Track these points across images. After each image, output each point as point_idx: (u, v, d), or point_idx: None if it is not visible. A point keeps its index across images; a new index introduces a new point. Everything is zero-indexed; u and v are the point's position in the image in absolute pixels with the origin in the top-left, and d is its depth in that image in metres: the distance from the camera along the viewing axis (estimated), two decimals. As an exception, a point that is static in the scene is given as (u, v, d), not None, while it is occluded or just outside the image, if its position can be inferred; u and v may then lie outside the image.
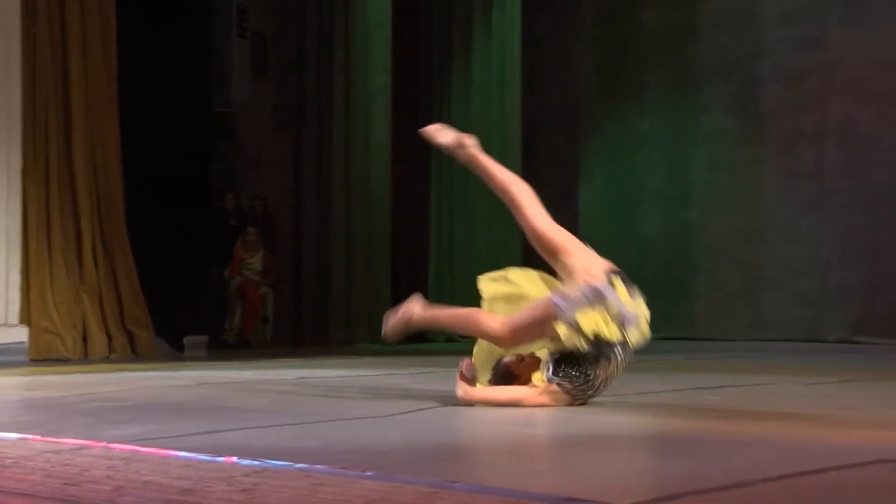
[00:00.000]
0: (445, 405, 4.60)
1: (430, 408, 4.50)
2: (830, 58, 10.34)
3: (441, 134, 4.52)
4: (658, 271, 10.99)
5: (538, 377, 4.28)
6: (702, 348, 9.01)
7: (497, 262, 11.06)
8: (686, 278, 10.92)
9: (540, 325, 4.13)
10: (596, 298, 4.02)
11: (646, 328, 4.15)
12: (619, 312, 4.05)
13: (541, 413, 4.63)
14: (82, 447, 3.26)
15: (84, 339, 8.13)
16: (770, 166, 10.68)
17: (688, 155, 11.14)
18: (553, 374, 4.19)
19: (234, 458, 3.07)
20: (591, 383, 4.15)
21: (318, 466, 2.97)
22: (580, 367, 4.15)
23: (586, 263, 4.18)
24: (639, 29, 11.53)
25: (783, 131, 10.62)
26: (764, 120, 10.76)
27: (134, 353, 8.30)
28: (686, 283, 10.89)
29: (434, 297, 11.10)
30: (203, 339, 9.52)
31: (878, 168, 10.04)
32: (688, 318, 10.30)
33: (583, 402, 4.25)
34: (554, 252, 4.32)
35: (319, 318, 10.00)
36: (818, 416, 4.38)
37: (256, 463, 3.01)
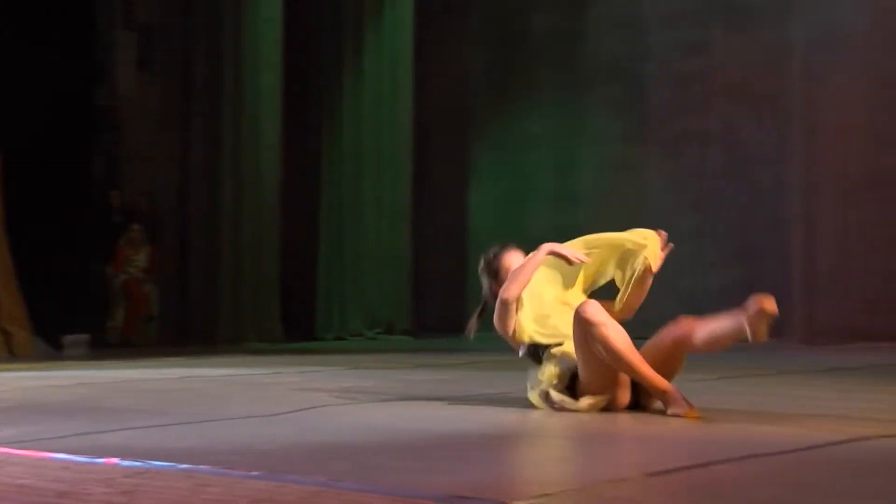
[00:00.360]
0: (332, 404, 4.58)
1: (317, 407, 4.47)
2: (713, 62, 10.59)
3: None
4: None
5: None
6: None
7: (385, 264, 11.16)
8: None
9: None
10: None
11: None
12: None
13: (428, 412, 4.63)
14: (-46, 450, 3.16)
15: (-42, 339, 7.87)
16: (655, 167, 10.89)
17: (575, 156, 11.29)
18: None
19: (115, 460, 3.01)
20: None
21: (202, 467, 2.93)
22: None
23: None
24: (527, 31, 11.64)
25: (667, 133, 10.84)
26: (649, 122, 10.97)
27: (10, 353, 8.06)
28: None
29: (323, 299, 11.09)
30: (84, 337, 9.29)
31: (757, 170, 10.32)
32: (574, 317, 10.45)
33: None
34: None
35: (206, 316, 9.86)
36: (701, 411, 4.48)
37: (138, 464, 2.96)
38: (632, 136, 11.00)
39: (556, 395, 4.29)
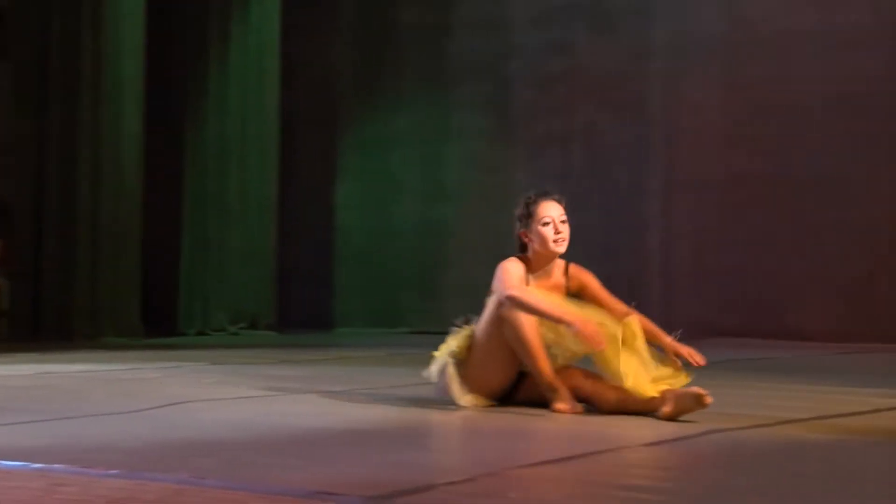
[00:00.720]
0: (195, 400, 4.51)
1: (178, 403, 4.39)
2: (577, 63, 10.77)
3: None
4: (412, 266, 11.16)
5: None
6: (452, 342, 9.20)
7: (250, 259, 11.02)
8: (438, 273, 11.13)
9: None
10: None
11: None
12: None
13: (293, 407, 4.61)
14: None
15: None
16: (520, 166, 11.02)
17: (442, 153, 11.35)
18: None
19: (-36, 459, 2.90)
20: None
21: (57, 466, 2.85)
22: None
23: None
24: (396, 26, 11.65)
25: (532, 133, 10.98)
26: (514, 121, 11.10)
27: None
28: (438, 278, 11.10)
29: (186, 290, 10.89)
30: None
31: (617, 171, 10.55)
32: (440, 312, 10.46)
33: None
34: None
35: (61, 311, 9.56)
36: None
37: (-11, 463, 2.86)
38: (498, 134, 11.12)
39: (451, 371, 4.31)
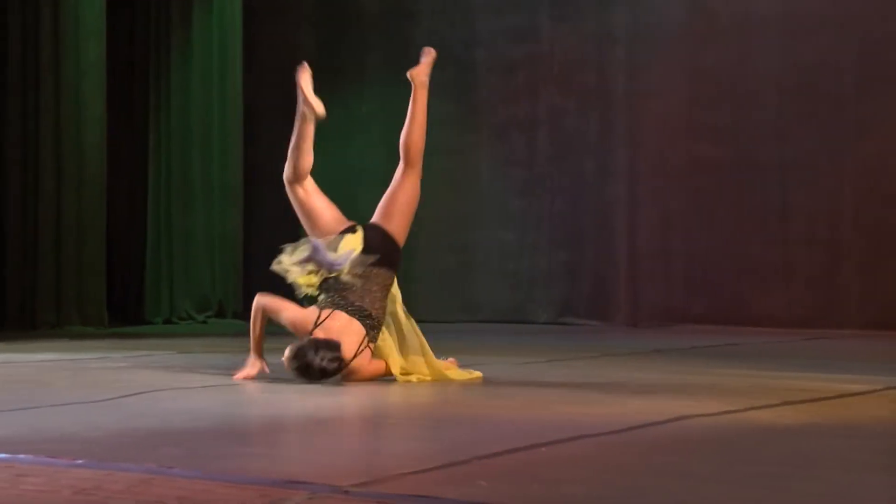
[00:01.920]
0: (161, 389, 4.49)
1: (145, 392, 4.37)
2: (540, 50, 10.78)
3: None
4: (377, 253, 11.12)
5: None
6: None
7: (215, 246, 10.96)
8: (404, 260, 11.10)
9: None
10: (308, 259, 5.09)
11: (356, 260, 5.18)
12: (323, 262, 5.08)
13: (260, 396, 4.59)
14: None
15: None
16: (484, 153, 11.02)
17: (406, 139, 11.32)
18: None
19: (-74, 451, 2.87)
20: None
21: (22, 456, 2.83)
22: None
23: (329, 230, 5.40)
24: (359, 11, 11.60)
25: (496, 119, 10.98)
26: (478, 108, 11.09)
27: None
28: (404, 265, 11.07)
29: (151, 279, 10.81)
30: None
31: (581, 157, 10.57)
32: (405, 299, 10.49)
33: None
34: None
35: (25, 299, 9.47)
36: (528, 394, 4.58)
37: (-48, 455, 2.83)
38: (462, 121, 11.10)
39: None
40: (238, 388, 4.71)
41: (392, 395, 4.69)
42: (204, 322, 10.68)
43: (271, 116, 11.96)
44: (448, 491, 2.50)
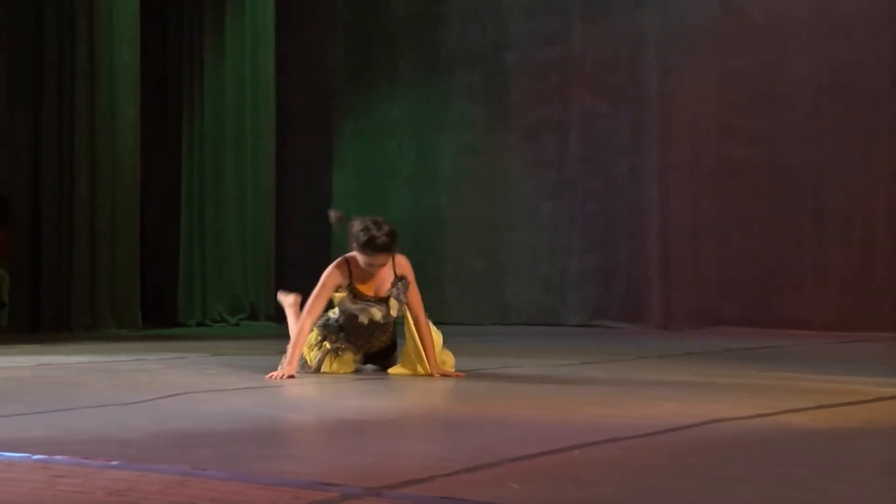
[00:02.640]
0: (195, 391, 4.51)
1: (178, 394, 4.40)
2: (571, 52, 10.76)
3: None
4: (407, 255, 11.13)
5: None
6: (448, 332, 9.19)
7: (248, 249, 11.01)
8: (434, 263, 11.11)
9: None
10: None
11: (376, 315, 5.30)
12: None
13: (292, 398, 4.61)
14: None
15: None
16: (515, 155, 11.02)
17: (437, 142, 11.34)
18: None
19: (-35, 452, 2.90)
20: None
21: (58, 457, 2.85)
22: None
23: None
24: (389, 15, 11.63)
25: (528, 121, 10.97)
26: (509, 110, 11.08)
27: None
28: (434, 267, 11.09)
29: (184, 284, 10.87)
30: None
31: (613, 159, 10.54)
32: (435, 302, 10.48)
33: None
34: None
35: (61, 302, 9.56)
36: (559, 396, 4.57)
37: (-11, 456, 2.86)
38: (493, 123, 11.11)
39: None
40: (271, 390, 4.73)
41: (422, 396, 4.70)
42: (237, 324, 10.73)
43: (303, 119, 12.03)
44: (479, 493, 2.50)
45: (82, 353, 6.77)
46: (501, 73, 11.06)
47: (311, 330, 5.27)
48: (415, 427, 3.77)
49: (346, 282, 5.24)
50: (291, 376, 5.02)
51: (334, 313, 5.36)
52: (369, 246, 5.14)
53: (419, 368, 5.22)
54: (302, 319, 5.19)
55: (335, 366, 5.27)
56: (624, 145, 10.46)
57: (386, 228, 5.18)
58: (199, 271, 10.76)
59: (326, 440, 3.40)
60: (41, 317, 9.51)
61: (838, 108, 9.48)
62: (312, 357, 5.28)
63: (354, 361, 5.39)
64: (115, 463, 2.78)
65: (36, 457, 2.86)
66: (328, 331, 5.33)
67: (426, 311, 5.32)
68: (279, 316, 11.03)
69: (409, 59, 11.46)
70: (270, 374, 5.06)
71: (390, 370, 5.36)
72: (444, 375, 5.19)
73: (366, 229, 5.15)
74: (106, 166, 9.77)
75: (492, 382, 5.14)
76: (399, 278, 5.28)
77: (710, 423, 3.66)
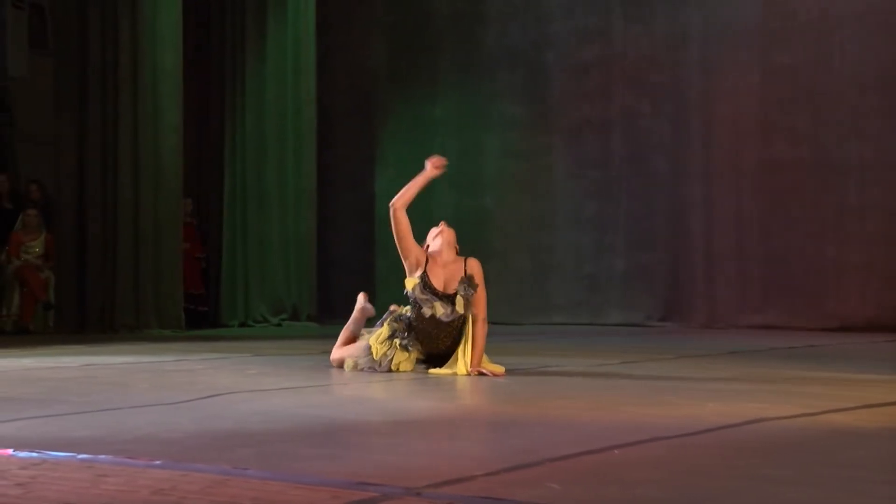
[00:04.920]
0: (237, 391, 4.54)
1: (220, 394, 4.42)
2: (612, 51, 10.72)
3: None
4: (450, 256, 11.13)
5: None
6: (491, 332, 9.17)
7: (290, 250, 11.06)
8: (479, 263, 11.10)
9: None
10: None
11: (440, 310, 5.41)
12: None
13: (333, 398, 4.62)
14: None
15: None
16: (558, 154, 10.99)
17: (480, 141, 11.33)
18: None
19: (9, 451, 2.94)
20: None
21: (102, 457, 2.88)
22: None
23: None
24: (430, 16, 11.64)
25: (570, 121, 10.94)
26: (551, 109, 11.06)
27: None
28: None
29: (227, 283, 10.95)
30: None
31: (655, 157, 10.49)
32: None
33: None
34: None
35: (105, 303, 9.66)
36: (601, 396, 4.55)
37: (34, 455, 2.89)
38: (535, 122, 11.09)
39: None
40: (311, 391, 4.75)
41: (462, 396, 4.69)
42: (279, 325, 10.79)
43: (345, 121, 12.07)
44: (519, 493, 2.49)
45: (127, 353, 6.83)
46: (542, 73, 11.04)
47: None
48: (455, 427, 3.76)
49: (421, 270, 5.44)
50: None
51: (406, 310, 5.48)
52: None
53: (459, 367, 5.26)
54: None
55: (401, 363, 5.37)
56: (666, 144, 10.41)
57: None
58: (242, 272, 10.82)
59: (366, 440, 3.41)
60: (87, 318, 9.61)
61: (883, 105, 9.37)
62: (380, 351, 5.38)
63: (417, 360, 5.49)
64: (157, 462, 2.80)
65: (81, 456, 2.89)
66: (399, 324, 5.42)
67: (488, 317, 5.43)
68: (321, 316, 11.14)
69: (451, 59, 11.47)
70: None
71: (431, 371, 5.36)
72: (481, 373, 5.19)
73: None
74: (149, 169, 9.86)
75: (533, 382, 5.13)
76: (468, 277, 5.40)
77: (752, 422, 3.62)
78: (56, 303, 9.79)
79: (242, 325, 10.68)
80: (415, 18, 11.71)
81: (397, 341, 5.40)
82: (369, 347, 5.40)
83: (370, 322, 5.78)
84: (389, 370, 5.33)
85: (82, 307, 9.66)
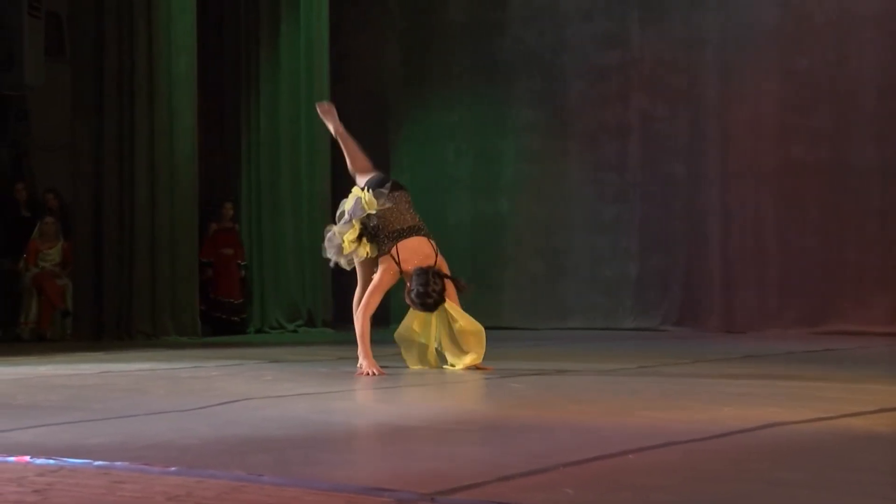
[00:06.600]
0: (252, 398, 4.55)
1: (236, 401, 4.43)
2: (629, 55, 10.70)
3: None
4: (466, 260, 11.12)
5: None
6: (507, 337, 9.18)
7: (306, 256, 11.08)
8: (493, 267, 11.11)
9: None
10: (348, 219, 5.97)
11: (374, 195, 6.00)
12: (354, 213, 5.94)
13: (348, 404, 4.63)
14: None
15: None
16: (574, 159, 10.98)
17: (496, 146, 11.33)
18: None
19: (27, 458, 2.95)
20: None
21: (118, 463, 2.89)
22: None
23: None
24: (446, 21, 11.65)
25: (587, 125, 10.92)
26: (568, 114, 11.04)
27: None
28: (493, 272, 11.08)
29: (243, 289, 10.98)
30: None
31: (672, 162, 10.47)
32: (494, 306, 10.48)
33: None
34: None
35: (122, 310, 9.69)
36: (616, 400, 4.54)
37: (51, 462, 2.90)
38: (551, 127, 11.08)
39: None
40: (326, 397, 4.75)
41: (476, 400, 4.69)
42: (294, 331, 10.80)
43: (360, 126, 12.06)
44: (533, 498, 2.49)
45: (143, 360, 6.86)
46: (559, 78, 11.03)
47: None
48: (469, 431, 3.76)
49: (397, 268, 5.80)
50: (380, 373, 5.54)
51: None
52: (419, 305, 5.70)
53: (465, 360, 5.66)
54: (362, 315, 5.81)
55: (369, 250, 5.87)
56: (683, 148, 10.38)
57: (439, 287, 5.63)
58: (257, 279, 10.85)
59: (381, 445, 3.41)
60: (104, 325, 9.64)
61: (901, 107, 9.33)
62: (348, 249, 5.92)
63: (435, 359, 5.81)
64: (173, 469, 2.81)
65: (97, 463, 2.90)
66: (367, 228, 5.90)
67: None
68: (336, 322, 11.14)
69: (466, 64, 11.47)
70: (360, 372, 5.58)
71: (450, 361, 5.75)
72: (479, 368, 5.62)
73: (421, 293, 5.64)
74: (165, 174, 9.89)
75: (548, 386, 5.12)
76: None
77: (769, 426, 3.61)
78: (73, 310, 9.83)
79: (258, 331, 10.70)
80: (430, 23, 11.71)
81: (366, 240, 5.87)
82: (340, 245, 5.91)
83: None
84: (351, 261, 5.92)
85: (99, 314, 9.69)
